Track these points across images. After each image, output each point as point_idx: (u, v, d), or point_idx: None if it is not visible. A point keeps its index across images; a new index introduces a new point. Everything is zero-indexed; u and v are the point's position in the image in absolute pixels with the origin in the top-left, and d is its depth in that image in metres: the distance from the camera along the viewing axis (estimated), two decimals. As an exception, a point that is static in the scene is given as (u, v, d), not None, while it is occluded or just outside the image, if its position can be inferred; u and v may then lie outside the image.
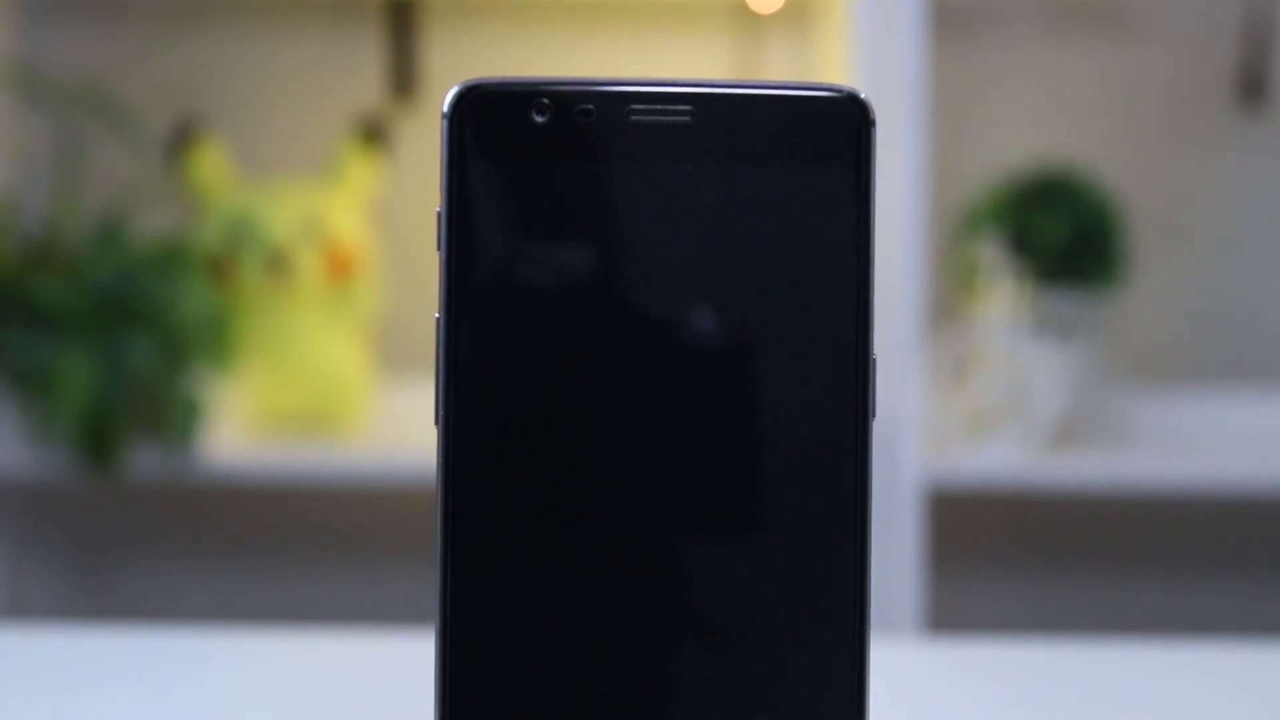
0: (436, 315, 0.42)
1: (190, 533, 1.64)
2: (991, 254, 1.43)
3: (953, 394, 1.45)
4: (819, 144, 0.42)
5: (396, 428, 1.51)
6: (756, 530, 0.42)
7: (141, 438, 1.36)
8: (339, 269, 1.45)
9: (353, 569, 1.62)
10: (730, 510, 0.42)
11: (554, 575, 0.42)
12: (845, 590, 0.42)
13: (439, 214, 0.42)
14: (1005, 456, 1.40)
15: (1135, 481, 1.42)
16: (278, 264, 1.43)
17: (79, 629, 0.67)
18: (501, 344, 0.42)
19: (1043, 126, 1.61)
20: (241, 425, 1.49)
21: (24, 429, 1.37)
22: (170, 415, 1.36)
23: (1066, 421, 1.47)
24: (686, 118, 0.42)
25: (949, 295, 1.52)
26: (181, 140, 1.48)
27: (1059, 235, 1.44)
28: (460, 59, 1.61)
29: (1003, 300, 1.43)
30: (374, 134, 1.49)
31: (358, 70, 1.62)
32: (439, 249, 0.42)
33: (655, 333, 0.42)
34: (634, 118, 0.42)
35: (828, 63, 1.46)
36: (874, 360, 0.42)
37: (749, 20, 1.59)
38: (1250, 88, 1.60)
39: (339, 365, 1.46)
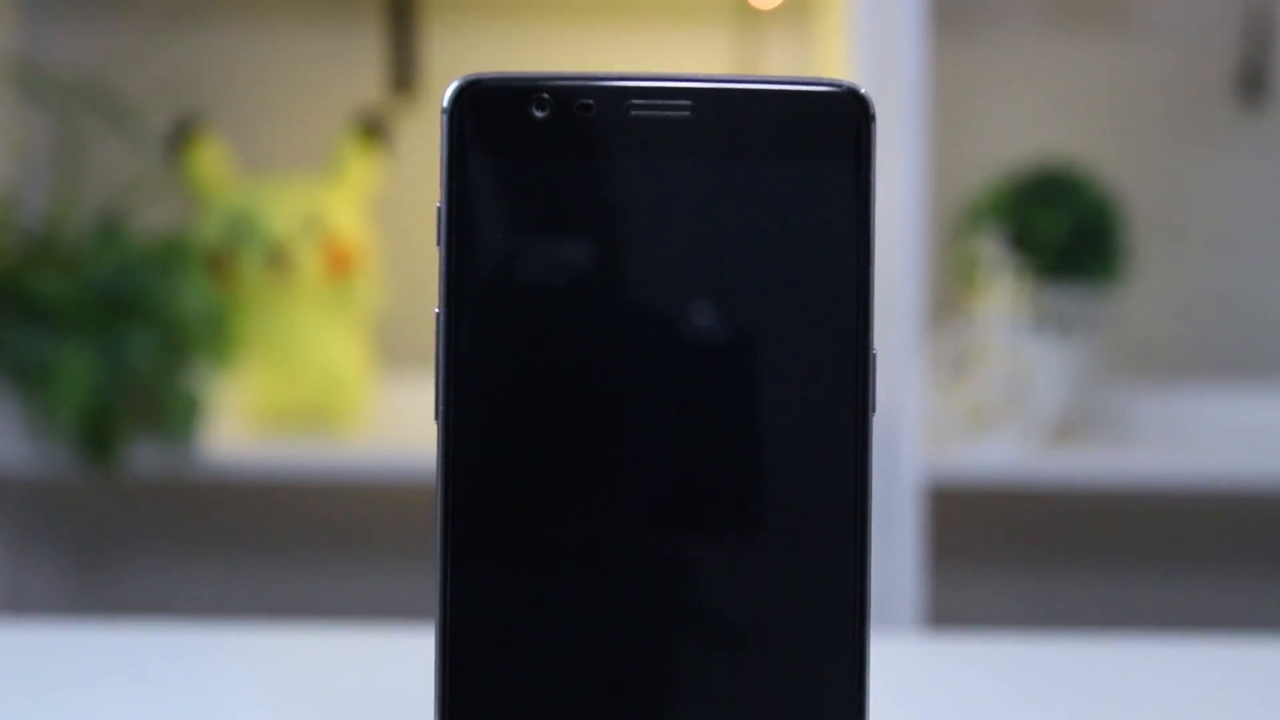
0: (436, 311, 0.42)
1: (190, 528, 1.64)
2: (991, 250, 1.43)
3: (953, 390, 1.45)
4: (819, 139, 0.42)
5: (396, 423, 1.51)
6: (756, 525, 0.42)
7: (141, 433, 1.36)
8: (339, 265, 1.44)
9: (353, 565, 1.62)
10: (730, 505, 0.42)
11: (553, 571, 0.42)
12: (845, 586, 0.42)
13: (439, 209, 0.42)
14: (1005, 452, 1.40)
15: (1135, 477, 1.42)
16: (278, 260, 1.43)
17: (79, 625, 0.67)
18: (502, 339, 0.42)
19: (1043, 122, 1.61)
20: (241, 421, 1.49)
21: (24, 425, 1.37)
22: (170, 411, 1.36)
23: (1066, 417, 1.47)
24: (686, 113, 0.42)
25: (949, 291, 1.52)
26: (181, 136, 1.47)
27: (1059, 231, 1.44)
28: (460, 55, 1.61)
29: (1003, 296, 1.43)
30: (374, 130, 1.49)
31: (358, 66, 1.61)
32: (439, 244, 0.42)
33: (655, 328, 0.42)
34: (634, 113, 0.42)
35: (828, 58, 1.46)
36: (874, 355, 0.42)
37: (749, 16, 1.59)
38: (1250, 84, 1.60)
39: (339, 361, 1.46)
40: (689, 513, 0.42)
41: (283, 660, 0.65)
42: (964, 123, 1.58)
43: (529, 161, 0.42)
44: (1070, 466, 1.42)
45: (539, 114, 0.42)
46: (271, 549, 1.64)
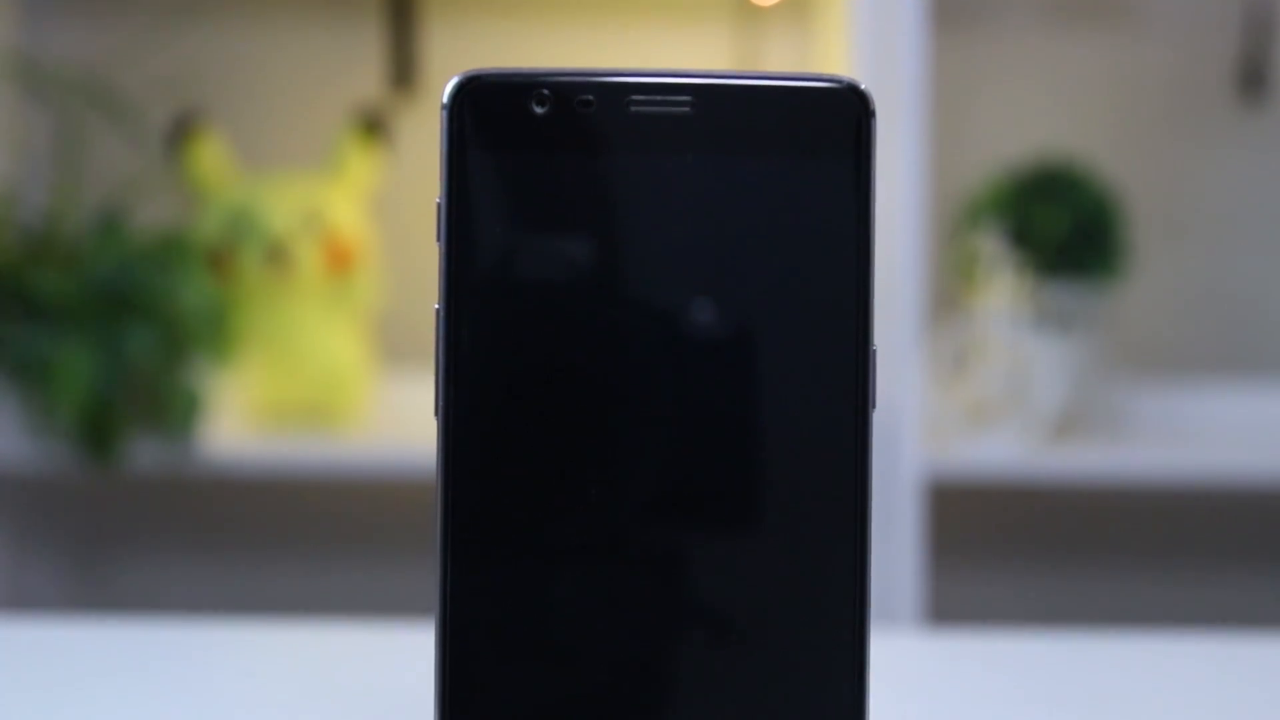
0: (436, 307, 0.42)
1: (190, 525, 1.64)
2: (991, 246, 1.43)
3: (953, 386, 1.45)
4: (819, 135, 0.42)
5: (396, 420, 1.51)
6: (756, 521, 0.42)
7: (141, 430, 1.36)
8: (339, 261, 1.44)
9: (353, 561, 1.62)
10: (730, 502, 0.42)
11: (553, 567, 0.42)
12: (845, 582, 0.42)
13: (439, 205, 0.42)
14: (1005, 448, 1.40)
15: (1135, 474, 1.42)
16: (277, 256, 1.43)
17: (78, 621, 0.67)
18: (501, 336, 0.42)
19: (1043, 119, 1.61)
20: (241, 417, 1.49)
21: (23, 421, 1.37)
22: (170, 407, 1.36)
23: (1066, 413, 1.47)
24: (686, 108, 0.42)
25: (949, 287, 1.51)
26: (181, 132, 1.47)
27: (1059, 228, 1.44)
28: (460, 51, 1.61)
29: (1002, 292, 1.43)
30: (374, 126, 1.48)
31: (357, 62, 1.61)
32: (439, 240, 0.42)
33: (655, 324, 0.42)
34: (634, 108, 0.42)
35: (828, 55, 1.46)
36: (874, 352, 0.42)
37: (749, 13, 1.59)
38: (1250, 80, 1.60)
39: (339, 357, 1.46)
40: (689, 509, 0.42)
41: (283, 657, 0.65)
42: (964, 119, 1.58)
43: (529, 157, 0.42)
44: (1070, 463, 1.42)
45: (539, 110, 0.42)
46: (271, 545, 1.64)
